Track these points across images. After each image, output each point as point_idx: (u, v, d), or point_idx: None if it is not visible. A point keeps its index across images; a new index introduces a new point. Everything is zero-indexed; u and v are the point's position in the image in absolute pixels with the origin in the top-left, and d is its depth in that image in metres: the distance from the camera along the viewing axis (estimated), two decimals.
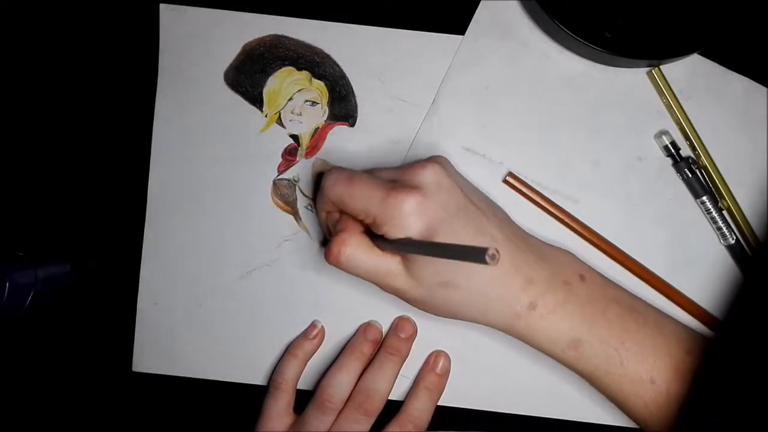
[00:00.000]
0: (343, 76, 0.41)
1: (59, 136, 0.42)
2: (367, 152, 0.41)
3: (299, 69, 0.41)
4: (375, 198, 0.32)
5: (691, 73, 0.40)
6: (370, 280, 0.35)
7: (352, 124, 0.41)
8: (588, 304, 0.34)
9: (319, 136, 0.41)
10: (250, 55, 0.41)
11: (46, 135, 0.42)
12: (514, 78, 0.40)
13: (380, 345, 0.40)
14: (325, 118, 0.41)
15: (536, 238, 0.37)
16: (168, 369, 0.41)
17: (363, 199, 0.32)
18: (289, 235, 0.41)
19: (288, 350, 0.40)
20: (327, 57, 0.41)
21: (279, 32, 0.41)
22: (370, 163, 0.41)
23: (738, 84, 0.40)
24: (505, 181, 0.40)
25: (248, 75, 0.41)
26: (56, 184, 0.42)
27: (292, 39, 0.41)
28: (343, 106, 0.41)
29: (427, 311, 0.35)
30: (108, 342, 0.41)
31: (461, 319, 0.35)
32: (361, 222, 0.34)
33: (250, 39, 0.41)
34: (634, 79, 0.40)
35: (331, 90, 0.41)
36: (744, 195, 0.40)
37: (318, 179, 0.40)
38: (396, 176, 0.34)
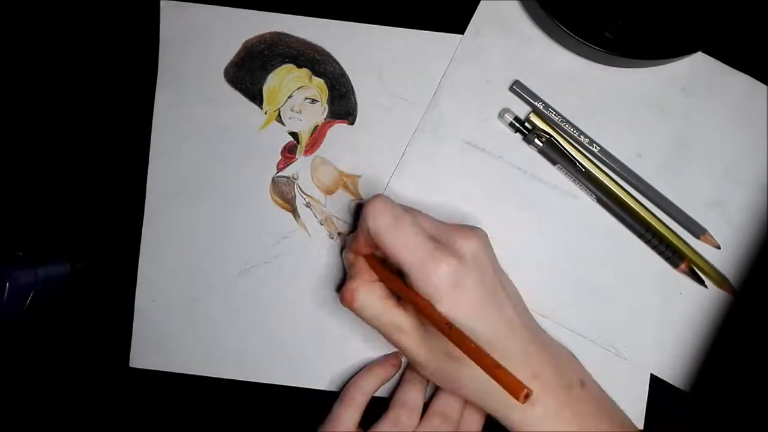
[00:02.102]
0: (343, 74, 0.41)
1: (58, 134, 0.42)
2: (366, 150, 0.41)
3: (299, 66, 0.41)
4: (417, 253, 0.32)
5: (693, 70, 0.40)
6: (379, 331, 0.35)
7: (352, 122, 0.41)
8: (585, 415, 0.34)
9: (318, 133, 0.41)
10: (251, 52, 0.41)
11: (45, 133, 0.42)
12: (516, 72, 0.40)
13: None
14: (324, 116, 0.41)
15: (543, 331, 0.36)
16: (165, 365, 0.41)
17: (405, 250, 0.32)
18: (288, 232, 0.41)
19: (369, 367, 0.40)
20: (327, 55, 0.41)
21: (279, 29, 0.41)
22: (370, 161, 0.41)
23: (739, 82, 0.40)
24: None
25: (248, 72, 0.41)
26: (56, 183, 0.41)
27: (293, 36, 0.41)
28: (342, 104, 0.41)
29: (427, 377, 0.36)
30: (105, 338, 0.41)
31: (459, 395, 0.36)
32: (381, 262, 0.35)
33: (251, 36, 0.41)
34: (634, 77, 0.40)
35: (331, 88, 0.41)
36: (744, 193, 0.40)
37: (357, 209, 0.41)
38: (438, 235, 0.34)
